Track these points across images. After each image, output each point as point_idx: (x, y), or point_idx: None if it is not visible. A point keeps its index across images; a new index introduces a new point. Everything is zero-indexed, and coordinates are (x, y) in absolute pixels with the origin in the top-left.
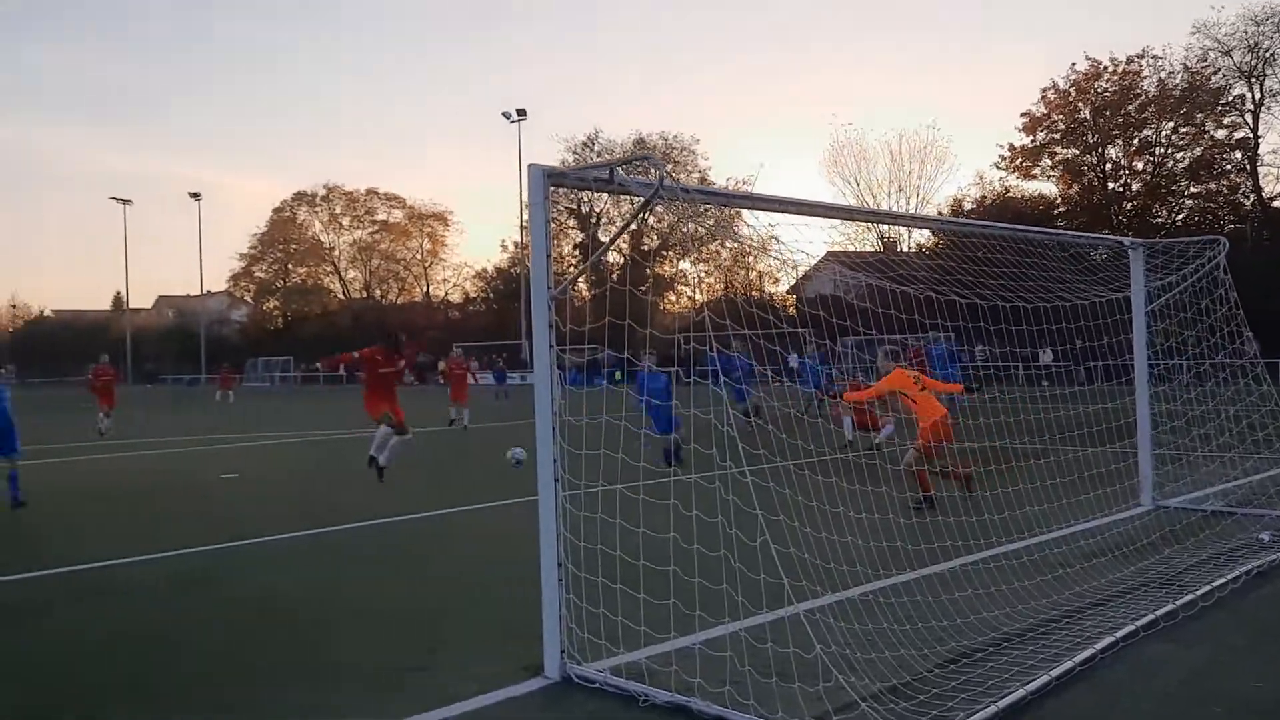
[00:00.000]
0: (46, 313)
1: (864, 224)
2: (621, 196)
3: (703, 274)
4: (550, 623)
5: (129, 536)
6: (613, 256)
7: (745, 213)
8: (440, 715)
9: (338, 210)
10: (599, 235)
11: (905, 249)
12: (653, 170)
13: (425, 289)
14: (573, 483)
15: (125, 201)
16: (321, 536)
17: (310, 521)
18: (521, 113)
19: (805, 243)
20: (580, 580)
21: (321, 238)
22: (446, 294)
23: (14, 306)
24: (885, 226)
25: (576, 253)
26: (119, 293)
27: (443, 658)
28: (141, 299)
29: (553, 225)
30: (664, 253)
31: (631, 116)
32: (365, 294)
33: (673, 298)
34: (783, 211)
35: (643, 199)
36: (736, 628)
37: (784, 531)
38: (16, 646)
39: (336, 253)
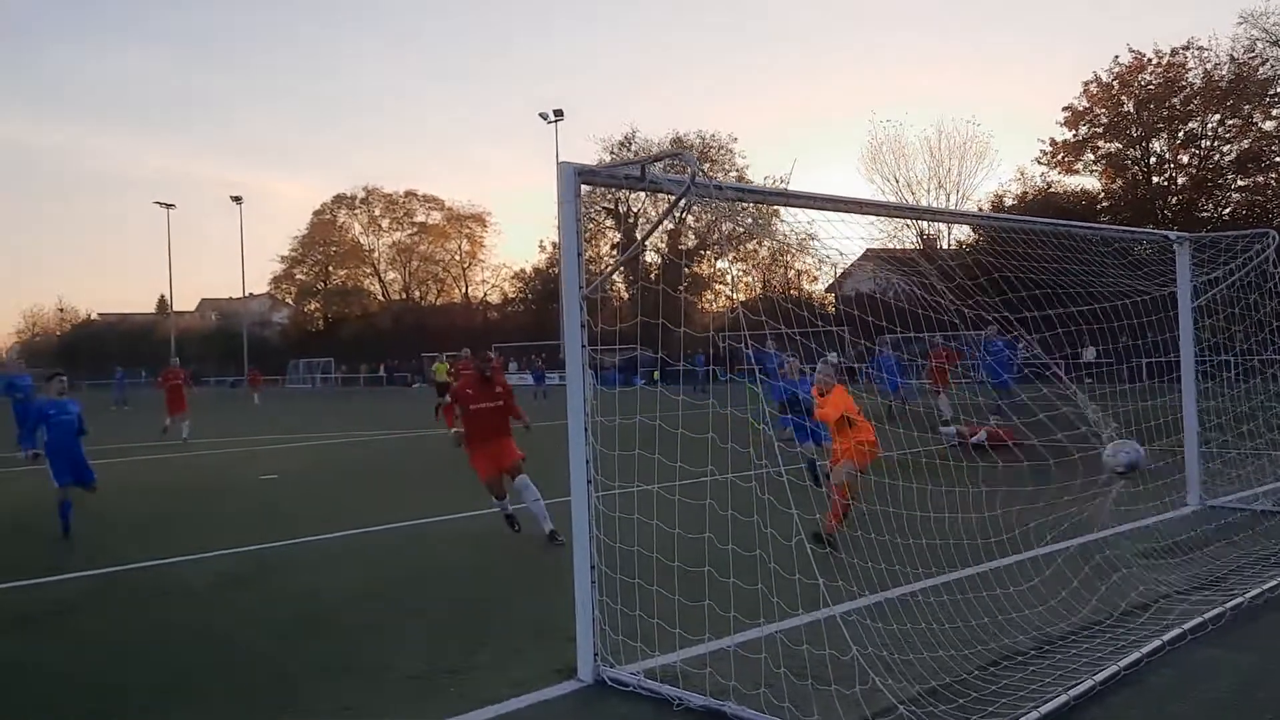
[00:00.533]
0: (93, 316)
1: (903, 221)
2: (660, 196)
3: (740, 273)
4: (583, 625)
5: (171, 537)
6: (651, 256)
7: (783, 211)
8: (473, 719)
9: (377, 212)
10: (636, 235)
11: (945, 246)
12: (687, 167)
13: (464, 290)
14: (606, 484)
15: (168, 206)
16: (360, 538)
17: (349, 523)
18: (559, 113)
19: (842, 240)
20: (614, 582)
21: (361, 240)
22: (485, 295)
23: (61, 310)
24: (925, 223)
25: (614, 252)
26: (163, 295)
27: (478, 660)
28: (185, 302)
29: (590, 225)
30: (701, 252)
31: (669, 116)
32: (405, 295)
33: (710, 297)
34: (817, 208)
35: (675, 196)
36: (772, 630)
37: (820, 530)
38: (62, 645)
39: (376, 255)
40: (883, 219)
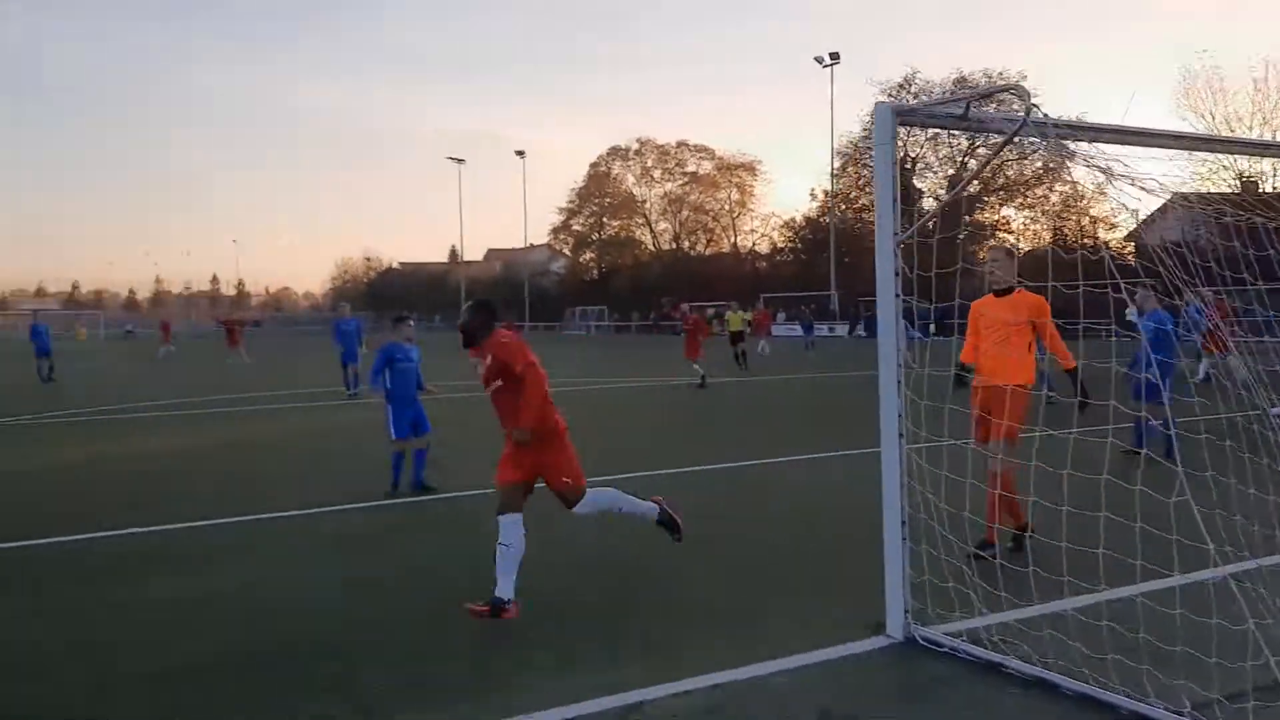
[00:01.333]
0: (394, 264)
1: (1218, 163)
2: (940, 140)
3: (1027, 220)
4: (893, 581)
5: (476, 471)
6: (928, 203)
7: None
8: (781, 665)
9: (649, 163)
10: (913, 181)
11: (1268, 189)
12: (1014, 104)
13: (733, 240)
14: (917, 435)
15: (459, 161)
16: (654, 479)
17: (644, 463)
18: (835, 56)
19: (1147, 181)
20: (924, 539)
21: (634, 191)
22: (754, 245)
23: (367, 259)
24: (1245, 164)
25: None
26: (454, 246)
27: (779, 606)
28: (474, 252)
29: (864, 172)
30: (984, 198)
31: (950, 55)
32: (675, 245)
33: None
34: (1171, 147)
35: (1004, 135)
36: (1101, 599)
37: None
38: (393, 562)
39: (648, 205)
40: (1196, 159)
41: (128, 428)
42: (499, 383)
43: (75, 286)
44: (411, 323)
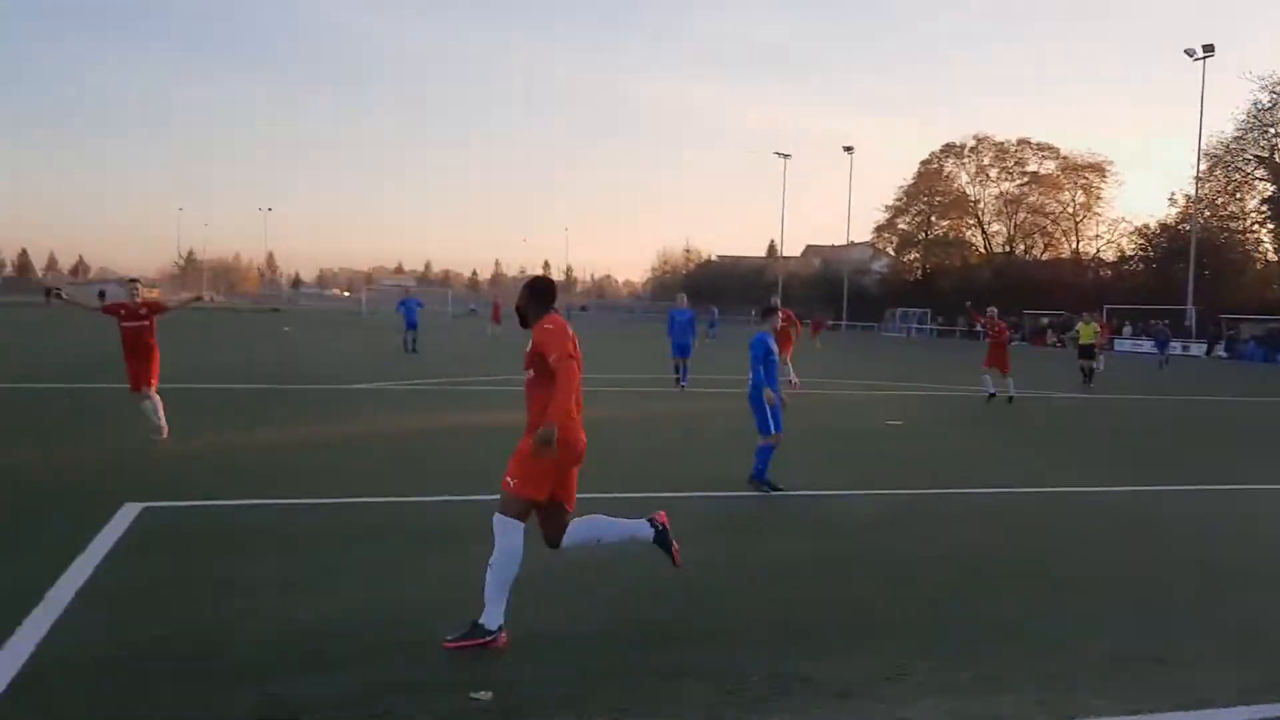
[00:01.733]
0: (713, 257)
1: None
2: None
3: None
4: None
5: (827, 470)
6: None
7: None
8: (1197, 718)
9: (985, 162)
10: None
11: None
12: None
13: (1074, 245)
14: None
15: (786, 156)
16: (1011, 496)
17: (991, 478)
18: (1209, 49)
19: None
20: None
21: (967, 190)
22: (1098, 251)
23: (687, 251)
24: None
25: (1265, 208)
26: (773, 241)
27: (1178, 653)
28: (792, 247)
29: (1236, 176)
30: None
31: None
32: (1008, 248)
33: None
34: None
35: None
36: None
37: None
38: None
39: (981, 205)
40: None
41: (486, 398)
42: (531, 372)
43: (428, 265)
44: (777, 314)
